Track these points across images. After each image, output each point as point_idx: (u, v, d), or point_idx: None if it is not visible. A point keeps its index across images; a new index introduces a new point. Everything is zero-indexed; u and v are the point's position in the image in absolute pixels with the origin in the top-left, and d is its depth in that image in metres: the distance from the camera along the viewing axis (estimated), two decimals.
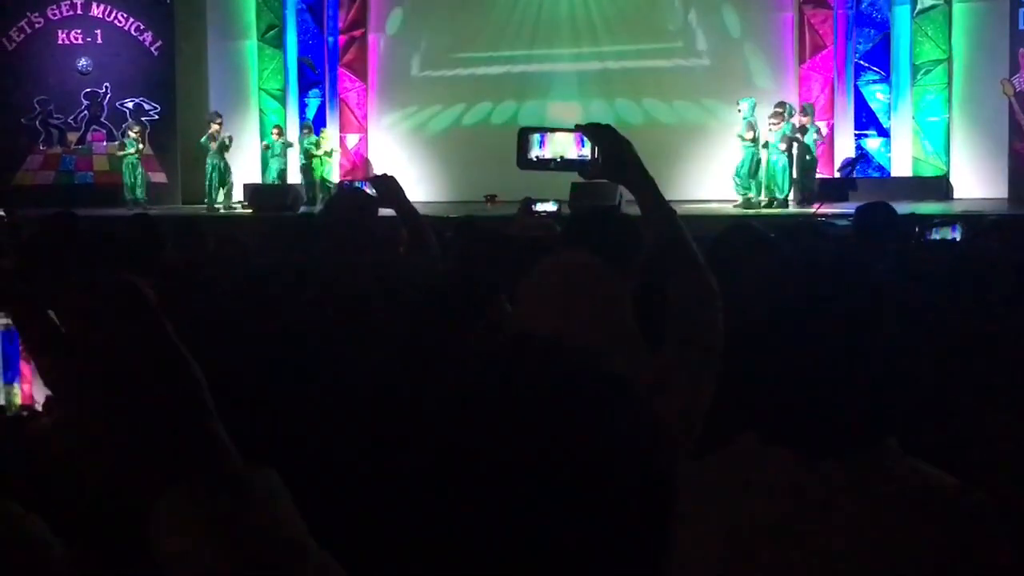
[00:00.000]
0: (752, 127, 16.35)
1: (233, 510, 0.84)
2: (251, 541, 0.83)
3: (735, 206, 16.24)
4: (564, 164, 2.60)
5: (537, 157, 2.66)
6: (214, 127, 18.58)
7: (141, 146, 19.10)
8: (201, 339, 2.57)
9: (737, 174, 16.43)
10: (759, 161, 16.35)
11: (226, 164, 18.61)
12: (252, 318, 2.69)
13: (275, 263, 4.31)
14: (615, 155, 2.49)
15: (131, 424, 0.84)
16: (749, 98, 16.58)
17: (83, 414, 0.85)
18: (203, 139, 18.53)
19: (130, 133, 19.17)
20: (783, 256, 3.03)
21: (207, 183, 18.41)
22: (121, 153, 19.15)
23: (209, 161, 18.49)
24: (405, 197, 4.22)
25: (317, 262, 4.00)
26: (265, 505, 0.86)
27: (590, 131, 2.54)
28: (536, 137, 2.66)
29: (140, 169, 19.01)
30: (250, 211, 17.68)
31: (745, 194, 16.36)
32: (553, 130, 2.65)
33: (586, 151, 2.57)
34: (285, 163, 19.17)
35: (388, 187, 4.18)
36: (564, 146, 2.62)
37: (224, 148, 18.61)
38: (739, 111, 16.45)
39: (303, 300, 3.02)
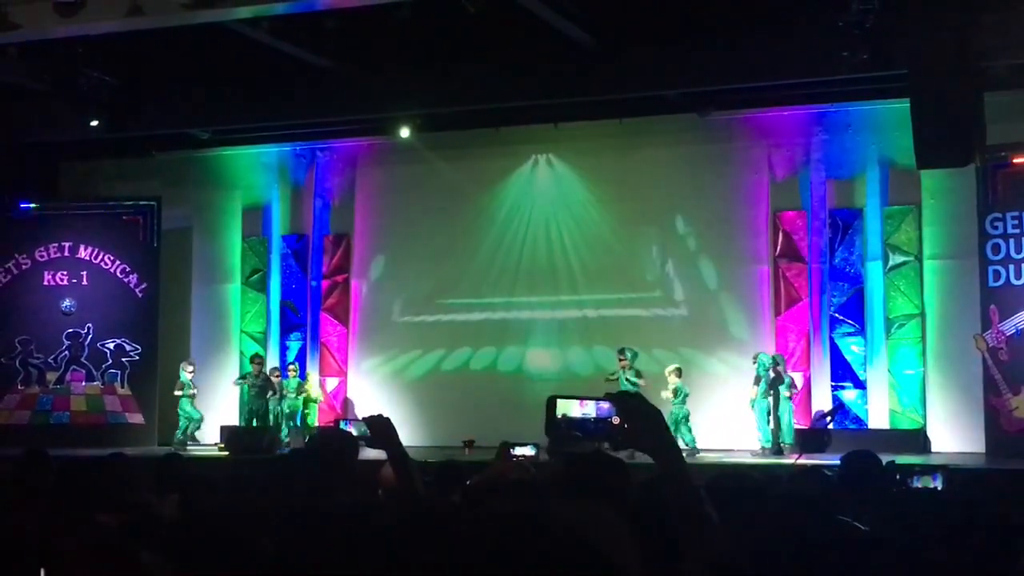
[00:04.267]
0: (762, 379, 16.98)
1: None
2: None
3: (753, 454, 16.59)
4: (591, 433, 2.63)
5: (564, 417, 2.68)
6: (254, 367, 19.15)
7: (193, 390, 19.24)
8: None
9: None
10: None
11: (267, 403, 18.96)
12: (216, 558, 2.62)
13: (245, 503, 4.23)
14: (644, 425, 2.50)
15: None
16: (763, 353, 17.18)
17: None
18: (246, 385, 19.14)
19: (185, 371, 19.27)
20: (776, 505, 3.00)
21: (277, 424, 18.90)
22: (180, 393, 19.11)
23: (253, 405, 18.91)
24: (397, 439, 4.17)
25: (291, 502, 3.92)
26: None
27: (619, 400, 2.56)
28: (566, 404, 2.70)
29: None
30: (226, 453, 17.54)
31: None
32: (581, 398, 2.68)
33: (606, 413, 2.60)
34: (272, 406, 19.17)
35: (381, 428, 4.14)
36: (587, 410, 2.66)
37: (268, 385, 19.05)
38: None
39: (269, 541, 2.94)
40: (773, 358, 17.15)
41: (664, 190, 18.99)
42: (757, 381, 16.98)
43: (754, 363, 17.08)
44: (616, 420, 2.56)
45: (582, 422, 2.63)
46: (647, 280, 19.09)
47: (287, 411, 18.96)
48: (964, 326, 16.97)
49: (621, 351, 17.18)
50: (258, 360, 19.42)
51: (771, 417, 16.74)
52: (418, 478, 4.16)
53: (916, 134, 13.07)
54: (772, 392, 16.75)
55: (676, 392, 16.90)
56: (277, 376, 19.26)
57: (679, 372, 17.09)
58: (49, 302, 20.48)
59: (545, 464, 5.74)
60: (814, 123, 18.37)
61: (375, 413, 4.24)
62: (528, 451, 10.81)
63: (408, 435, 18.17)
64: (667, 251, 19.06)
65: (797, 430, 16.76)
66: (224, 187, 21.15)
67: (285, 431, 18.74)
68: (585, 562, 1.74)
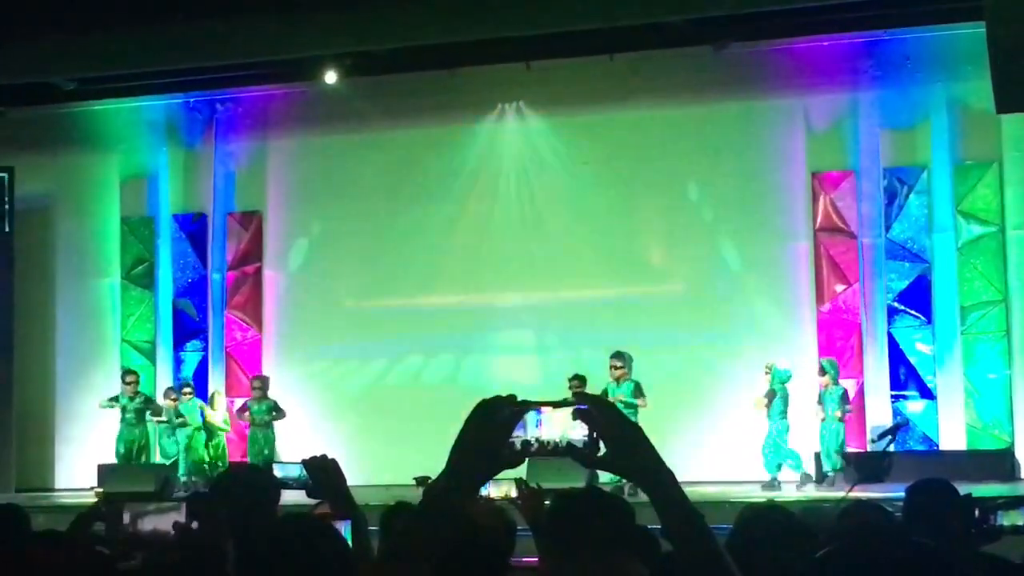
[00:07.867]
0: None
1: None
2: None
3: (763, 486, 16.70)
4: (554, 452, 2.51)
5: (532, 440, 2.54)
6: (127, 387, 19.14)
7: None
8: None
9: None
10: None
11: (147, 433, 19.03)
12: None
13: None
14: (621, 442, 2.42)
15: None
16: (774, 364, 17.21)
17: None
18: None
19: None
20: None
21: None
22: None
23: (130, 436, 18.96)
24: (346, 487, 4.11)
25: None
26: None
27: (588, 400, 2.47)
28: (532, 416, 2.53)
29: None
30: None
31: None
32: (541, 405, 2.56)
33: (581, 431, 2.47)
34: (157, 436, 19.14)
35: (327, 472, 4.08)
36: (563, 427, 2.51)
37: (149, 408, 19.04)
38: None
39: None
40: (822, 364, 17.17)
41: (669, 147, 18.99)
42: (770, 397, 16.89)
43: (767, 374, 17.03)
44: (583, 432, 2.46)
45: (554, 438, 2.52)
46: (648, 264, 19.09)
47: (184, 444, 18.86)
48: None
49: (617, 355, 16.95)
50: (131, 378, 19.21)
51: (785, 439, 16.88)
52: (368, 537, 4.11)
53: (994, 68, 13.09)
54: (822, 409, 16.84)
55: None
56: (173, 400, 19.11)
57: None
58: None
59: (528, 504, 5.73)
60: (862, 56, 18.43)
61: (317, 454, 4.18)
62: (509, 490, 10.78)
63: (343, 471, 18.17)
64: (674, 226, 19.08)
65: (848, 454, 16.78)
66: (96, 152, 21.04)
67: (183, 469, 18.66)
68: None
